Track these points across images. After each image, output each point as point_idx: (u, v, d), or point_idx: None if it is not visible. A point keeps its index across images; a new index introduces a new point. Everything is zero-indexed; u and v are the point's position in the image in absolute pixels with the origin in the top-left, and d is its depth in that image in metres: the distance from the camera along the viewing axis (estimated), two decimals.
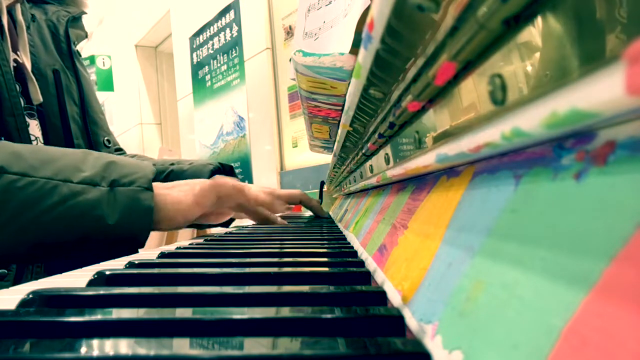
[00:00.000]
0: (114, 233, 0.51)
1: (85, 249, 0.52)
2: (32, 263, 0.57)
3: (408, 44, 0.21)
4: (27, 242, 0.48)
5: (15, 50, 0.67)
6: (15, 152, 0.49)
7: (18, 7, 0.69)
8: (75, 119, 0.74)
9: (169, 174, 0.80)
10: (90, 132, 0.77)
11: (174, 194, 0.58)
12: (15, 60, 0.66)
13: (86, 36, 0.85)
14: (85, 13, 0.83)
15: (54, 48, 0.75)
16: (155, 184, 0.56)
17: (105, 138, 0.80)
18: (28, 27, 0.71)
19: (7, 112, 0.61)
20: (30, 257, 0.50)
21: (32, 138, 0.67)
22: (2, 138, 0.60)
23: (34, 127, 0.68)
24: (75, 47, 0.80)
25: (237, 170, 2.13)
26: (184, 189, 0.59)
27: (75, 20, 0.80)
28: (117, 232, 0.51)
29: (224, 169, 0.86)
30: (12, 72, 0.63)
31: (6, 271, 0.59)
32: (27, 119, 0.67)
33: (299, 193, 0.85)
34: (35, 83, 0.67)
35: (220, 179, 0.68)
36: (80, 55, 0.82)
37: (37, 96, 0.67)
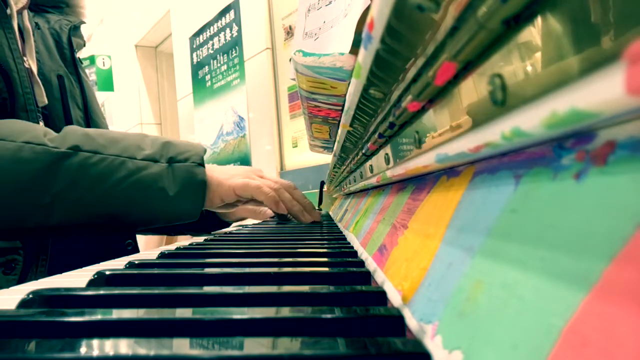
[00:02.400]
0: (174, 204, 0.57)
1: (150, 220, 0.59)
2: (105, 232, 0.61)
3: (408, 44, 0.21)
4: (102, 212, 0.55)
5: (22, 54, 0.69)
6: (85, 133, 0.56)
7: (25, 13, 0.71)
8: (79, 122, 0.77)
9: None
10: None
11: (218, 176, 0.64)
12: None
13: (84, 45, 0.88)
14: (84, 22, 0.86)
15: (57, 55, 0.77)
16: (207, 167, 0.62)
17: None
18: (33, 34, 0.73)
19: (21, 107, 0.64)
20: (104, 227, 0.57)
21: None
22: None
23: None
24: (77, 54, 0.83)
25: None
26: (224, 175, 0.65)
27: (76, 29, 0.83)
28: (176, 204, 0.57)
29: None
30: (26, 71, 0.66)
31: (18, 256, 0.62)
32: None
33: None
34: (41, 86, 0.69)
35: (263, 175, 0.71)
36: (82, 63, 0.84)
37: (43, 99, 0.69)
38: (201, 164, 0.60)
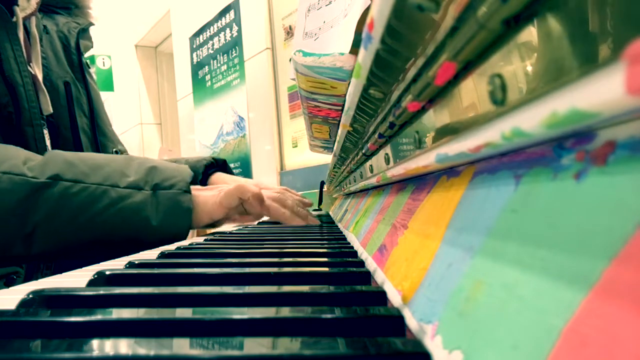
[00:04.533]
0: (158, 232, 0.56)
1: (135, 247, 0.56)
2: (90, 258, 0.60)
3: (408, 44, 0.21)
4: (84, 240, 0.54)
5: (28, 61, 0.68)
6: (67, 160, 0.54)
7: (33, 19, 0.71)
8: (85, 130, 0.76)
9: None
10: (99, 143, 0.80)
11: (203, 195, 0.63)
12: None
13: (92, 46, 0.87)
14: (92, 24, 0.85)
15: (65, 60, 0.77)
16: (194, 190, 0.61)
17: (114, 150, 0.83)
18: (41, 39, 0.73)
19: (26, 122, 0.64)
20: (88, 253, 0.56)
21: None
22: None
23: (45, 137, 0.69)
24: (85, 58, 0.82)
25: (237, 171, 2.13)
26: (211, 192, 0.64)
27: (84, 31, 0.82)
28: (161, 232, 0.56)
29: (217, 164, 0.88)
30: (32, 84, 0.66)
31: (20, 269, 0.61)
32: None
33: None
34: (47, 94, 0.69)
35: (243, 185, 0.68)
36: (89, 67, 0.84)
37: (48, 107, 0.69)
38: (187, 191, 0.59)
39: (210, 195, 0.63)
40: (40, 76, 0.69)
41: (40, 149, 0.66)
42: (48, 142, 0.70)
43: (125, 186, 0.55)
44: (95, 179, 0.54)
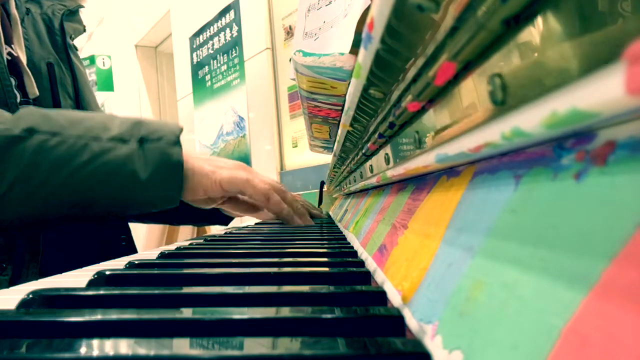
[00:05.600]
0: (148, 189, 0.50)
1: (121, 209, 0.52)
2: (73, 223, 0.55)
3: (408, 44, 0.21)
4: (64, 202, 0.48)
5: (9, 43, 0.65)
6: (43, 114, 0.49)
7: (12, 1, 0.68)
8: None
9: None
10: None
11: (202, 165, 0.57)
12: (10, 54, 0.65)
13: (84, 30, 0.82)
14: (82, 7, 0.81)
15: (48, 41, 0.73)
16: (186, 151, 0.55)
17: None
18: (22, 20, 0.70)
19: (1, 102, 0.60)
20: (70, 218, 0.51)
21: None
22: None
23: None
24: (72, 41, 0.78)
25: None
26: (208, 165, 0.58)
27: (72, 13, 0.78)
28: (151, 188, 0.51)
29: None
30: (6, 64, 0.62)
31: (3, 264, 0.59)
32: None
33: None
34: (31, 76, 0.65)
35: (252, 171, 0.62)
36: (76, 49, 0.80)
37: (33, 90, 0.65)
38: (177, 143, 0.53)
39: (209, 170, 0.57)
40: (23, 58, 0.66)
41: None
42: None
43: (108, 138, 0.50)
44: (74, 131, 0.49)
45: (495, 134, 0.15)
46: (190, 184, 0.55)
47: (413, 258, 0.22)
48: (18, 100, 0.64)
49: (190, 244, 0.49)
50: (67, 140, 0.48)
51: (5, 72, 0.62)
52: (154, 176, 0.50)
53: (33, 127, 0.47)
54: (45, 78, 0.70)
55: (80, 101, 0.74)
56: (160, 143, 0.52)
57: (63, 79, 0.72)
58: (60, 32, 0.75)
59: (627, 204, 0.10)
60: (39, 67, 0.69)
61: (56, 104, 0.70)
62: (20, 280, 0.55)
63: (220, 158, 0.63)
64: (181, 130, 0.55)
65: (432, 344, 0.15)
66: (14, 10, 0.68)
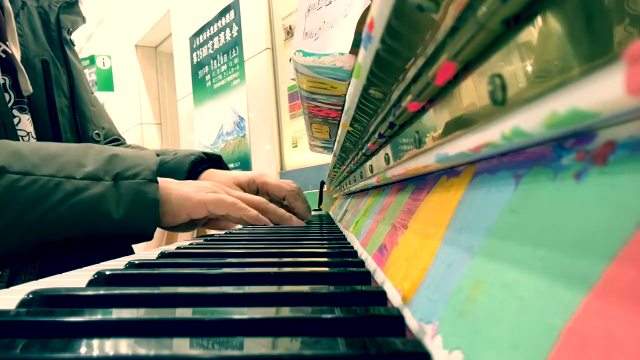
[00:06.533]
0: (121, 228, 0.50)
1: (94, 246, 0.51)
2: (41, 259, 0.55)
3: (408, 44, 0.21)
4: (34, 241, 0.48)
5: (3, 40, 0.63)
6: (15, 151, 0.48)
7: None
8: (64, 111, 0.70)
9: None
10: (79, 125, 0.73)
11: (181, 189, 0.57)
12: (4, 51, 0.62)
13: (84, 21, 0.80)
14: None
15: (44, 37, 0.71)
16: (161, 179, 0.55)
17: (95, 132, 0.76)
18: (17, 15, 0.67)
19: None
20: (39, 255, 0.50)
21: (24, 134, 0.63)
22: None
23: (26, 122, 0.64)
24: (71, 34, 0.76)
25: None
26: (190, 188, 0.59)
27: (70, 5, 0.76)
28: (124, 227, 0.50)
29: (210, 159, 0.80)
30: None
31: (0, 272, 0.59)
32: (19, 114, 0.63)
33: (289, 188, 0.73)
34: (25, 74, 0.63)
35: (238, 203, 0.62)
36: (73, 45, 0.77)
37: (27, 87, 0.63)
38: (153, 180, 0.52)
39: (190, 192, 0.57)
40: (18, 55, 0.64)
41: (11, 138, 0.59)
42: (30, 127, 0.64)
43: (82, 177, 0.49)
44: (47, 170, 0.48)
45: (495, 134, 0.15)
46: (172, 210, 0.56)
47: (413, 258, 0.22)
48: (11, 101, 0.62)
49: (190, 244, 0.49)
50: (39, 180, 0.47)
51: None
52: (128, 215, 0.50)
53: (4, 166, 0.46)
54: (40, 76, 0.68)
55: (76, 99, 0.73)
56: (134, 180, 0.52)
57: (58, 76, 0.71)
58: (56, 26, 0.73)
59: (627, 204, 0.10)
60: (33, 64, 0.67)
61: (50, 102, 0.68)
62: (17, 283, 0.55)
63: (192, 181, 0.63)
64: (157, 164, 0.55)
65: (432, 344, 0.15)
66: (7, 4, 0.65)
